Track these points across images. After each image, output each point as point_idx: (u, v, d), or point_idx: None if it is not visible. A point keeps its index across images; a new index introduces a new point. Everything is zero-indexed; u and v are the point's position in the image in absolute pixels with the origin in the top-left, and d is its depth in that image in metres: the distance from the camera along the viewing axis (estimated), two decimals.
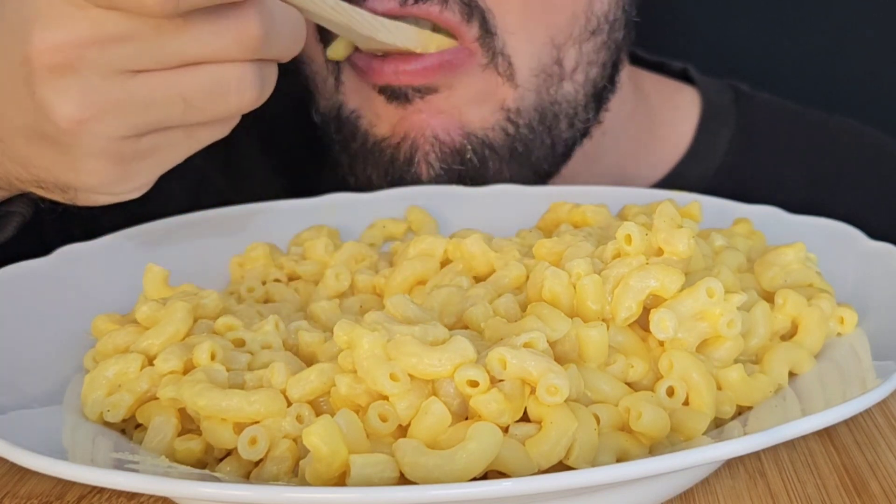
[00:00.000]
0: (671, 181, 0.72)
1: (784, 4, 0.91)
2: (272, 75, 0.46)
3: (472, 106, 0.61)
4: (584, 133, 0.66)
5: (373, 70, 0.60)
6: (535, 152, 0.63)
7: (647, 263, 0.42)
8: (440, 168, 0.61)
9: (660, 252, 0.43)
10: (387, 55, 0.59)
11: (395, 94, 0.61)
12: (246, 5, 0.43)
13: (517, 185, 0.62)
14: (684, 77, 0.77)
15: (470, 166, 0.62)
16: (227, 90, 0.44)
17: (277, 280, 0.53)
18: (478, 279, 0.47)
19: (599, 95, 0.65)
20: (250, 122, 0.78)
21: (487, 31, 0.59)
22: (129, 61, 0.42)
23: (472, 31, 0.59)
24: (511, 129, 0.62)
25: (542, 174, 0.65)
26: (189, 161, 0.76)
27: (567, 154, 0.66)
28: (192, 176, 0.75)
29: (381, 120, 0.63)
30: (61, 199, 0.48)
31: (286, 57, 0.46)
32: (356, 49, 0.60)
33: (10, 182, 0.48)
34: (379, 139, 0.63)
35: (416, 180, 0.62)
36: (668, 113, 0.75)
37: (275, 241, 0.57)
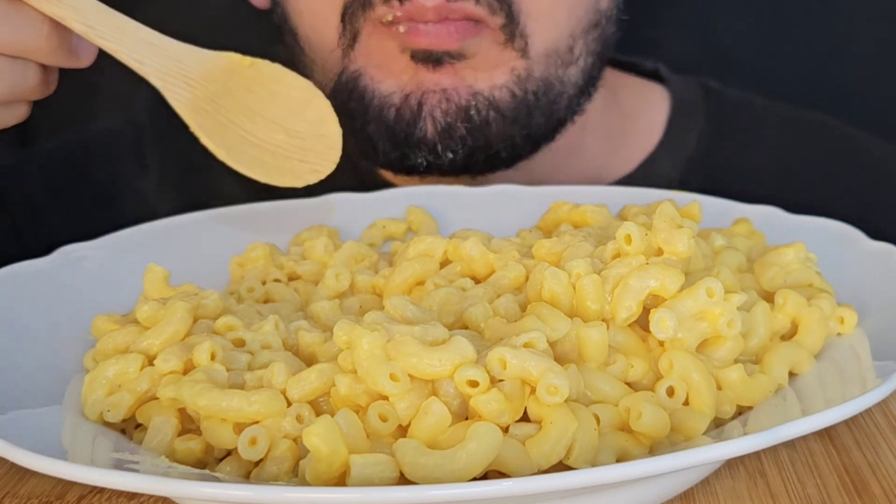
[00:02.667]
0: (642, 173, 0.74)
1: (780, 5, 0.91)
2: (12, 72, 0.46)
3: (484, 69, 0.64)
4: (571, 117, 0.69)
5: (415, 34, 0.61)
6: (535, 119, 0.66)
7: (646, 263, 0.42)
8: (445, 123, 0.63)
9: (660, 252, 0.43)
10: (426, 21, 0.61)
11: (429, 58, 0.62)
12: None
13: (517, 185, 0.62)
14: (656, 76, 0.79)
15: (473, 125, 0.64)
16: None
17: (277, 280, 0.53)
18: (477, 280, 0.47)
19: (589, 84, 0.69)
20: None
21: (512, 21, 0.62)
22: None
23: (496, 20, 0.62)
24: (518, 93, 0.64)
25: (536, 141, 0.68)
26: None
27: (555, 131, 0.68)
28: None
29: (391, 77, 0.64)
30: None
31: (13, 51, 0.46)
32: (398, 10, 0.61)
33: None
34: (383, 94, 0.64)
35: (422, 137, 0.64)
36: (638, 109, 0.77)
37: (275, 241, 0.57)
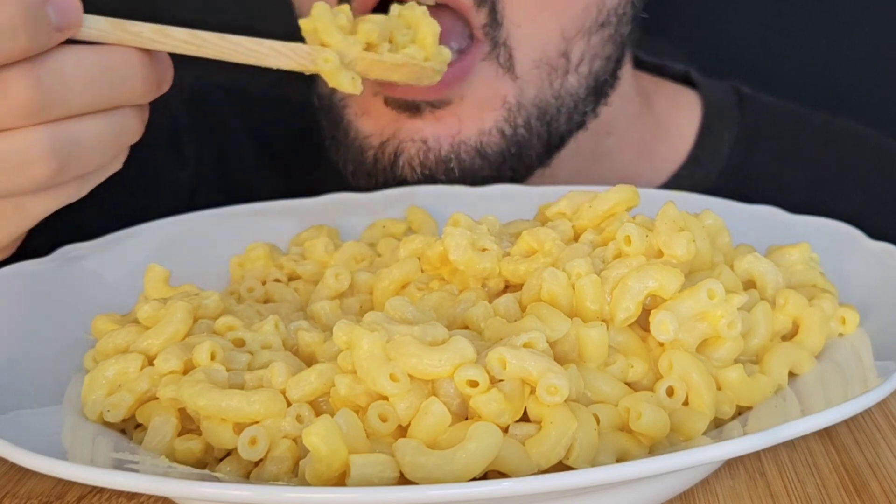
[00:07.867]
0: (674, 184, 0.72)
1: (785, 4, 0.91)
2: (84, 133, 0.40)
3: (473, 112, 0.60)
4: (581, 125, 0.65)
5: (385, 84, 0.57)
6: (527, 151, 0.62)
7: (646, 264, 0.42)
8: (422, 174, 0.60)
9: (660, 254, 0.43)
10: None
11: (408, 107, 0.59)
12: (11, 69, 0.38)
13: (517, 185, 0.62)
14: (686, 80, 0.77)
15: (453, 177, 0.60)
16: (10, 165, 0.39)
17: (277, 280, 0.53)
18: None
19: (600, 89, 0.65)
20: (245, 125, 0.77)
21: (495, 20, 0.58)
22: None
23: (480, 17, 0.58)
24: (508, 131, 0.61)
25: (531, 168, 0.65)
26: (180, 171, 0.75)
27: (559, 145, 0.65)
28: (185, 186, 0.76)
29: (370, 117, 0.61)
30: None
31: (94, 106, 0.40)
32: None
33: None
34: (362, 135, 0.62)
35: (402, 180, 0.61)
36: (671, 115, 0.75)
37: (275, 241, 0.57)
